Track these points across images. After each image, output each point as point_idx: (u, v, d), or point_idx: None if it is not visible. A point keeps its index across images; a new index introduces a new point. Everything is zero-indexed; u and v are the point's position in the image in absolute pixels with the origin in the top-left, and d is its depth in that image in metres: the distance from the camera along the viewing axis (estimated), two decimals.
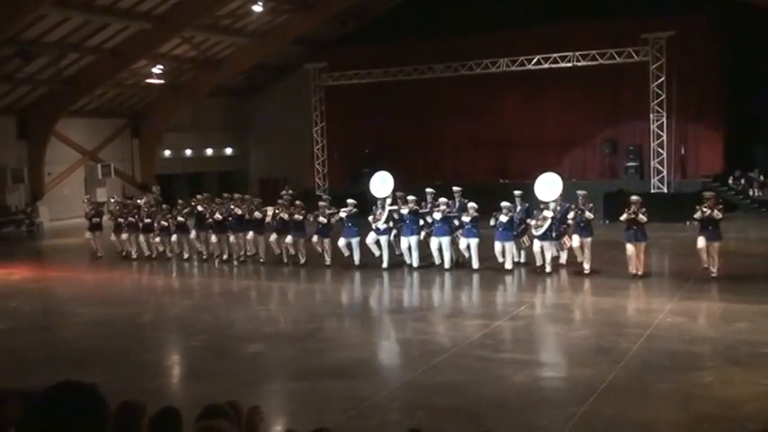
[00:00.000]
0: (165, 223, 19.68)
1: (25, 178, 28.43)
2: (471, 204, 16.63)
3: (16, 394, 3.63)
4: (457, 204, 17.28)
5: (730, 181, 26.12)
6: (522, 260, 16.91)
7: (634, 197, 15.31)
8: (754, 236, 21.08)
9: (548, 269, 15.82)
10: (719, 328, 11.45)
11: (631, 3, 25.89)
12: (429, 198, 17.67)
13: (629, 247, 14.96)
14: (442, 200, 16.89)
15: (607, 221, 21.96)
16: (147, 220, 19.90)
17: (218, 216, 18.81)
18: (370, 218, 17.70)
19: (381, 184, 18.96)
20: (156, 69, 28.66)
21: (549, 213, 15.85)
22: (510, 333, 11.66)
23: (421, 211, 17.25)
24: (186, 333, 12.63)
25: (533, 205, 16.80)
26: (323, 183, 30.78)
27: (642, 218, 14.83)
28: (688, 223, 15.00)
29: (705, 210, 14.64)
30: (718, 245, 14.73)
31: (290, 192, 25.95)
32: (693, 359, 9.93)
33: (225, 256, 19.02)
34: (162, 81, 29.51)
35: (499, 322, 12.26)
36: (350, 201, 17.87)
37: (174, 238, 19.80)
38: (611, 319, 12.36)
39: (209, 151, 35.70)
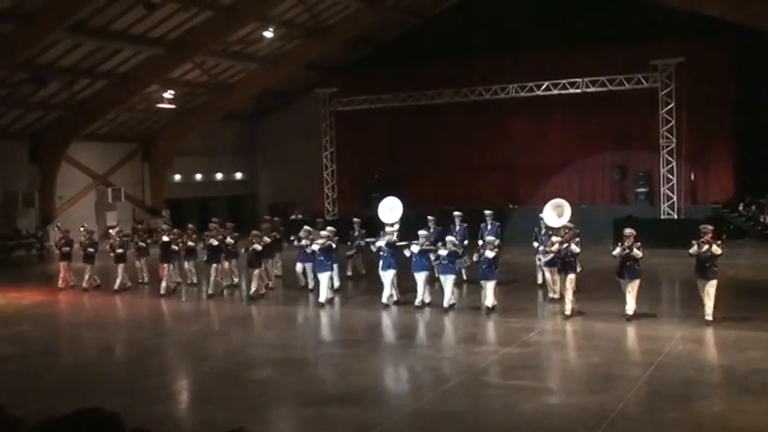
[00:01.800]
0: (176, 247, 19.64)
1: (36, 202, 28.57)
2: (449, 238, 15.83)
3: (32, 421, 3.60)
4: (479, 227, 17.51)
5: (741, 207, 25.99)
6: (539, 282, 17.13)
7: (627, 230, 14.12)
8: (765, 263, 20.94)
9: (555, 296, 15.77)
10: (731, 357, 11.34)
11: (640, 29, 26.01)
12: (457, 222, 17.66)
13: (623, 284, 13.92)
14: (422, 232, 16.14)
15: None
16: (120, 251, 19.46)
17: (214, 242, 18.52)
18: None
19: (390, 209, 18.93)
20: (168, 94, 28.91)
21: (556, 239, 15.76)
22: (519, 360, 11.54)
23: (398, 243, 16.46)
24: (193, 358, 12.61)
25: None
26: (332, 207, 30.79)
27: (637, 252, 13.57)
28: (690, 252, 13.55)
29: (702, 244, 13.21)
30: (714, 283, 13.19)
31: (300, 216, 26.03)
32: (705, 387, 9.83)
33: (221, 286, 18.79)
34: (173, 106, 29.74)
35: (508, 349, 12.17)
36: (329, 228, 17.33)
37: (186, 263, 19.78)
38: (621, 346, 12.27)
39: (219, 176, 35.83)
